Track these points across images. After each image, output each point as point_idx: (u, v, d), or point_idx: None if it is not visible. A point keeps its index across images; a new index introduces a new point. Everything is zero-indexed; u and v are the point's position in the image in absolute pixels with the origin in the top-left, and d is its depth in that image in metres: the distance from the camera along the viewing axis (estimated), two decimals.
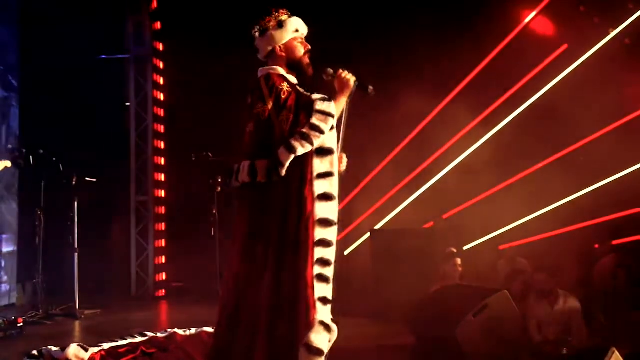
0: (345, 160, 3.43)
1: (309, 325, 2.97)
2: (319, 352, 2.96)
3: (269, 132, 3.14)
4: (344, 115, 3.27)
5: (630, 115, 8.04)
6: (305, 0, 4.05)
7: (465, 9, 8.04)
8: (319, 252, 3.06)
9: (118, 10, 8.39)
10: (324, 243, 3.07)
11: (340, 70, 3.33)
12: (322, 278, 3.05)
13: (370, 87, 3.35)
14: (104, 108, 8.42)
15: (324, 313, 3.01)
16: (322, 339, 2.98)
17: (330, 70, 3.35)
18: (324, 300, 3.03)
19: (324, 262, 3.06)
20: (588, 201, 8.10)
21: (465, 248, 7.63)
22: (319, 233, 3.07)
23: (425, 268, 6.45)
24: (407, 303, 5.48)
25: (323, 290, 3.04)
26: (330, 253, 3.09)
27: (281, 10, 3.37)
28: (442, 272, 6.04)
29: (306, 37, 3.44)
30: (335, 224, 3.12)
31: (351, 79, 3.30)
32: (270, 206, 3.15)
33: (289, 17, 3.37)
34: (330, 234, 3.10)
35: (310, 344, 2.94)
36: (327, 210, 3.10)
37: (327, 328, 3.01)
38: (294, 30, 3.34)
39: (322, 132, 3.07)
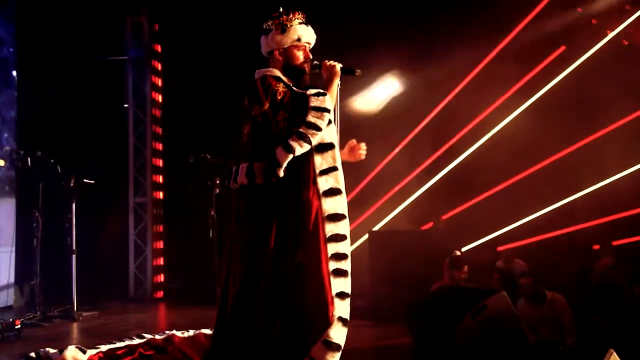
0: (363, 147, 3.52)
1: (327, 322, 3.00)
2: (338, 347, 3.02)
3: (267, 134, 3.14)
4: (336, 103, 3.30)
5: (631, 116, 8.07)
6: None
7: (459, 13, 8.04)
8: (332, 247, 3.09)
9: (116, 12, 8.39)
10: (337, 237, 3.10)
11: (325, 60, 3.35)
12: (339, 272, 3.09)
13: (357, 70, 3.38)
14: (102, 110, 8.41)
15: (341, 308, 3.05)
16: (340, 334, 3.04)
17: (316, 62, 3.37)
18: (341, 295, 3.07)
19: (339, 256, 3.10)
20: (587, 202, 8.11)
21: (463, 249, 7.64)
22: (330, 228, 3.10)
23: (423, 269, 6.45)
24: (405, 304, 5.48)
25: (340, 285, 3.08)
26: (344, 246, 3.12)
27: (296, 13, 3.35)
28: (449, 276, 6.02)
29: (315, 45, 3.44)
30: (345, 217, 3.15)
31: (336, 65, 3.32)
32: (270, 208, 3.14)
33: (299, 23, 3.33)
34: (342, 227, 3.12)
35: (329, 340, 2.99)
36: (335, 204, 3.13)
37: (345, 323, 3.05)
38: (296, 38, 3.32)
39: (319, 129, 3.07)
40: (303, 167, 3.12)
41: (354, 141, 3.56)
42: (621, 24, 8.10)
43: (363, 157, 3.56)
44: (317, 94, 3.14)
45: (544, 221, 8.28)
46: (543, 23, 8.24)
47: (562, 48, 8.40)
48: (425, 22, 7.96)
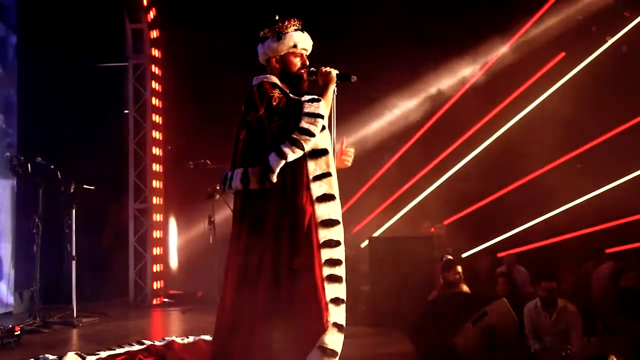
0: (351, 152, 3.44)
1: (321, 328, 2.99)
2: (334, 353, 3.00)
3: (262, 139, 3.15)
4: (333, 110, 3.29)
5: (630, 122, 8.07)
6: None
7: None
8: (326, 253, 3.08)
9: (117, 19, 8.41)
10: (330, 243, 3.09)
11: (321, 67, 3.34)
12: (333, 278, 3.07)
13: (353, 77, 3.36)
14: (103, 115, 8.42)
15: (336, 314, 3.03)
16: (336, 340, 3.01)
17: (312, 69, 3.37)
18: (336, 301, 3.05)
19: (333, 262, 3.08)
20: (587, 208, 8.11)
21: (463, 255, 7.62)
22: (323, 234, 3.09)
23: (424, 276, 6.44)
24: (406, 311, 5.47)
25: (335, 290, 3.06)
26: (338, 252, 3.11)
27: (291, 20, 3.35)
28: (443, 279, 6.02)
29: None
30: (339, 222, 3.13)
31: (332, 71, 3.31)
32: (264, 213, 3.14)
33: (295, 30, 3.33)
34: (336, 233, 3.11)
35: (324, 346, 2.97)
36: (329, 210, 3.11)
37: (341, 329, 3.03)
38: (291, 45, 3.32)
39: (312, 135, 3.06)
40: (296, 172, 3.12)
41: (343, 140, 3.47)
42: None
43: (349, 163, 3.45)
44: (312, 100, 3.13)
45: (543, 227, 8.28)
46: (543, 29, 8.27)
47: (562, 54, 8.42)
48: (425, 27, 7.98)
